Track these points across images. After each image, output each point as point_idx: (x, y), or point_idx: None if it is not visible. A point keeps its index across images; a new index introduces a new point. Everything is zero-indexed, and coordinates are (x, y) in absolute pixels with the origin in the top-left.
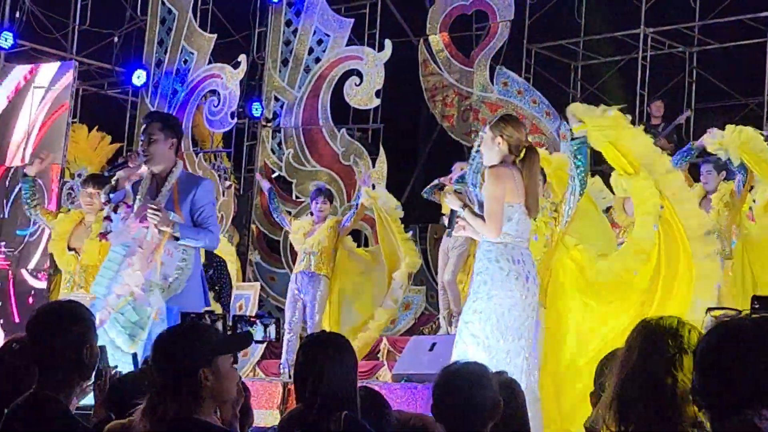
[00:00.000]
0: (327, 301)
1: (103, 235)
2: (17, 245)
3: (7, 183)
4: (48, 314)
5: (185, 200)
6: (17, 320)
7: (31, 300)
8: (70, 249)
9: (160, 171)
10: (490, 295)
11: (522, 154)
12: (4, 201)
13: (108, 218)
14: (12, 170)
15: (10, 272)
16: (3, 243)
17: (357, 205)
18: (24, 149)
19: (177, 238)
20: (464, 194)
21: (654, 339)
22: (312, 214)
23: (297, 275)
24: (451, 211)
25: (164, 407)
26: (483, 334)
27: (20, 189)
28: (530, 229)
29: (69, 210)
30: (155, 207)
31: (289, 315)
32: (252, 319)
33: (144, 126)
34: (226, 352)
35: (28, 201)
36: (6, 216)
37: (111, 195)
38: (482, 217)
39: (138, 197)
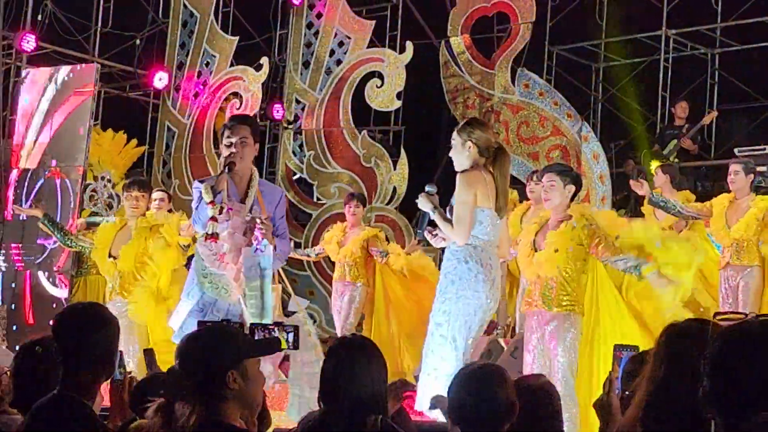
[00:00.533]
0: (362, 309)
1: (213, 237)
2: (36, 252)
3: (25, 184)
4: (73, 316)
5: (268, 207)
6: (32, 322)
7: (53, 306)
8: (110, 256)
9: (242, 175)
10: (458, 295)
11: (492, 156)
12: (23, 203)
13: (214, 219)
14: (30, 172)
15: (28, 272)
16: (20, 245)
17: (386, 254)
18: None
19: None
20: (435, 197)
21: (678, 344)
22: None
23: (335, 285)
24: (421, 212)
25: (190, 410)
26: (451, 335)
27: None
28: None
29: (91, 212)
30: (264, 220)
31: (339, 325)
32: (271, 327)
33: (230, 128)
34: (254, 355)
35: (61, 237)
36: (25, 218)
37: (215, 196)
38: (451, 222)
39: (223, 200)
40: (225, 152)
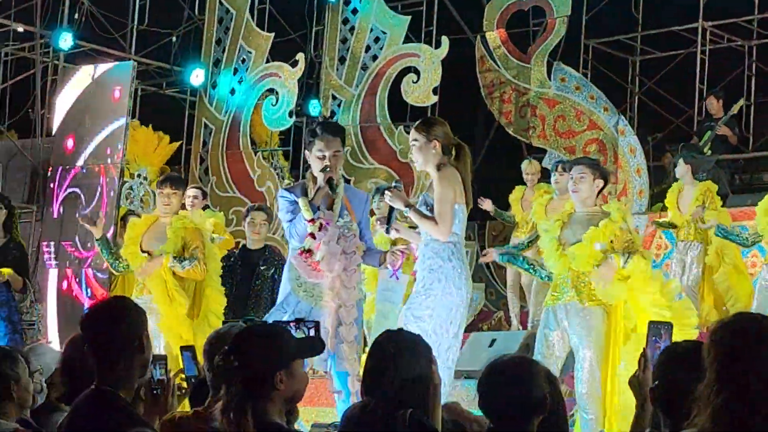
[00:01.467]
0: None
1: (307, 253)
2: (77, 234)
3: (65, 184)
4: (99, 311)
5: (357, 213)
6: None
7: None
8: (143, 251)
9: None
10: (444, 292)
11: (455, 153)
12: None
13: (312, 235)
14: (83, 170)
15: (86, 269)
16: (77, 240)
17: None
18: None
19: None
20: (404, 193)
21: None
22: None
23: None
24: (390, 209)
25: (238, 409)
26: (432, 329)
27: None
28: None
29: (127, 210)
30: (404, 250)
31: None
32: (292, 324)
33: (322, 140)
34: (303, 356)
35: (111, 260)
36: (60, 213)
37: (315, 213)
38: (431, 219)
39: (318, 211)
40: (317, 164)
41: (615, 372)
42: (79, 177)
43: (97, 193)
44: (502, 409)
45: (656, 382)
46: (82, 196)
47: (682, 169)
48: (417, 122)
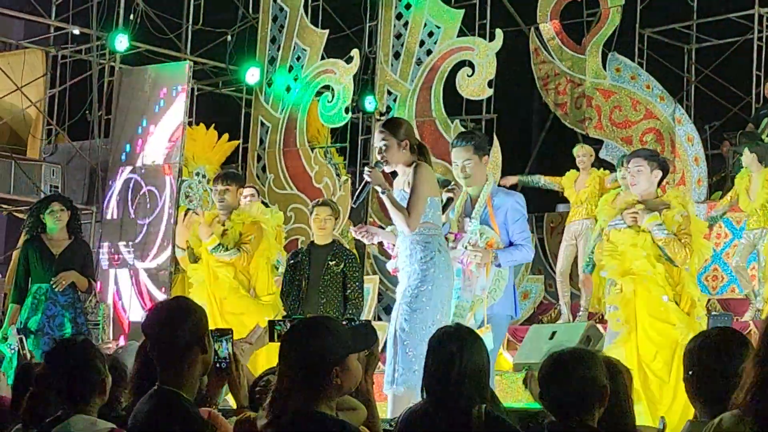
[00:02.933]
0: None
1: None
2: (137, 235)
3: (130, 185)
4: (161, 311)
5: (498, 215)
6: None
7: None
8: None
9: (474, 191)
10: (436, 283)
11: (418, 151)
12: (129, 200)
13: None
14: (142, 171)
15: (131, 271)
16: (130, 242)
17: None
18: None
19: (499, 265)
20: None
21: None
22: None
23: None
24: (364, 185)
25: (286, 401)
26: (431, 320)
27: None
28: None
29: (186, 208)
30: (476, 249)
31: None
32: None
33: (454, 150)
34: (357, 350)
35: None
36: (131, 215)
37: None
38: (404, 210)
39: (457, 216)
40: (455, 171)
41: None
42: (139, 177)
43: (162, 193)
44: (563, 402)
45: (690, 372)
46: (146, 196)
47: (748, 158)
48: (383, 124)
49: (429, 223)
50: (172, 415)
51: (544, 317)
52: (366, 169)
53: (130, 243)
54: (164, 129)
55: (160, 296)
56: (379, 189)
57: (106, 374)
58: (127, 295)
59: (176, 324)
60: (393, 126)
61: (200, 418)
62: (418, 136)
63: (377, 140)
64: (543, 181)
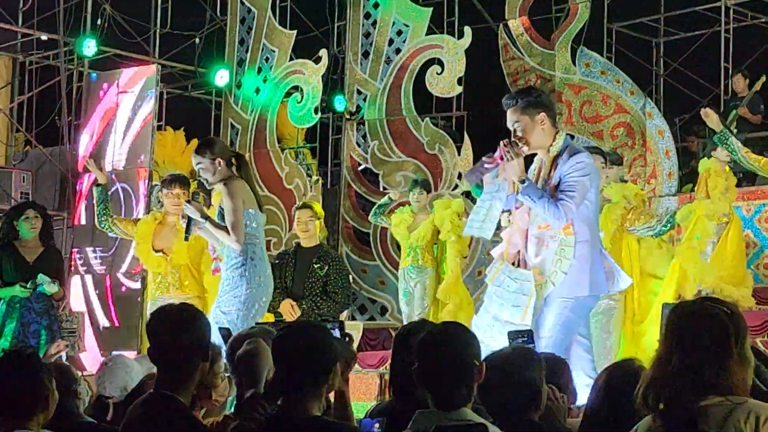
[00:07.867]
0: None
1: None
2: (110, 248)
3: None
4: (167, 315)
5: (557, 175)
6: (117, 325)
7: (126, 299)
8: (156, 251)
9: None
10: (248, 289)
11: (236, 164)
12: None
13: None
14: (111, 176)
15: (106, 277)
16: (99, 248)
17: None
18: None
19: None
20: (204, 204)
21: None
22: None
23: (405, 270)
24: (189, 219)
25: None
26: (239, 322)
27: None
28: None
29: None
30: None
31: (408, 310)
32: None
33: (507, 109)
34: (343, 356)
35: (100, 210)
36: (88, 221)
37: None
38: (224, 228)
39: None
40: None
41: None
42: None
43: (133, 198)
44: (498, 401)
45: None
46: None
47: (723, 151)
48: (197, 146)
49: (250, 234)
50: (170, 419)
51: None
52: (185, 206)
53: (98, 249)
54: (133, 133)
55: (129, 306)
56: (200, 220)
57: (52, 390)
58: (95, 302)
59: (180, 330)
60: (206, 147)
61: (198, 421)
62: (389, 134)
63: (194, 164)
64: None
